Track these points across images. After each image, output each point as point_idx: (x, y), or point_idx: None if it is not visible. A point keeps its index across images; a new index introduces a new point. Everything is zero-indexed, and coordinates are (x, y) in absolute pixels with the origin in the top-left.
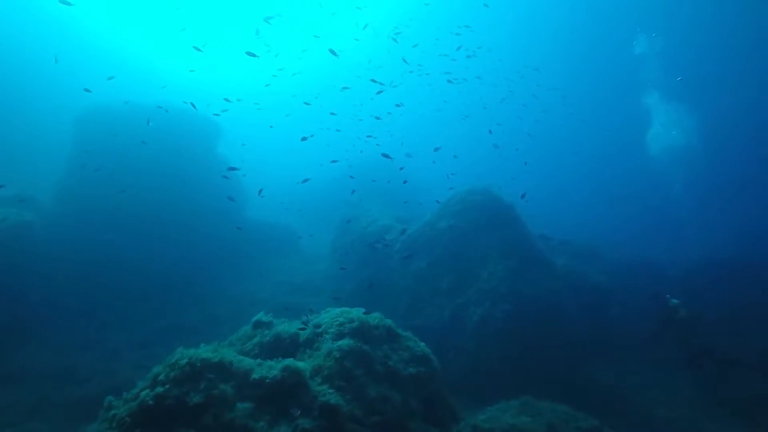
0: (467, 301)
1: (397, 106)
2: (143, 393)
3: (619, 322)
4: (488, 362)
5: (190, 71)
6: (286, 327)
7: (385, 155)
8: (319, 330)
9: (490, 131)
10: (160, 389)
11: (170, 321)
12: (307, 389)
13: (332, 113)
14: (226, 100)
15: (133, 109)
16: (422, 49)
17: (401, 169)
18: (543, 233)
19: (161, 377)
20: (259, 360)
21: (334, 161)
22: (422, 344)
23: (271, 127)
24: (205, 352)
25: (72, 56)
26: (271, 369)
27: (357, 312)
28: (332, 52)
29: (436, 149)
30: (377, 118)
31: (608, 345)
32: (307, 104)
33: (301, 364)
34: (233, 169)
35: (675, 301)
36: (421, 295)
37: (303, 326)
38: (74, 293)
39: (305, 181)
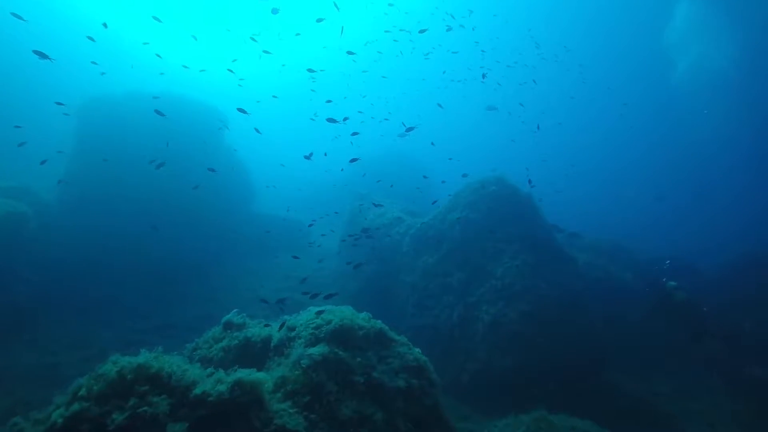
0: (479, 300)
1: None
2: (55, 413)
3: (646, 325)
4: (500, 368)
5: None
6: (258, 329)
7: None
8: (293, 333)
9: (484, 75)
10: (76, 407)
11: (166, 317)
12: (261, 408)
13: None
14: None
15: (138, 99)
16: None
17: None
18: (553, 224)
19: (82, 392)
20: (210, 370)
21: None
22: (416, 350)
23: (275, 96)
24: (142, 360)
25: (67, 42)
26: (218, 383)
27: (341, 311)
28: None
29: (409, 129)
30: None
31: (635, 349)
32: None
33: (260, 377)
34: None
35: (672, 283)
36: (429, 293)
37: (279, 328)
38: (69, 288)
39: (309, 156)
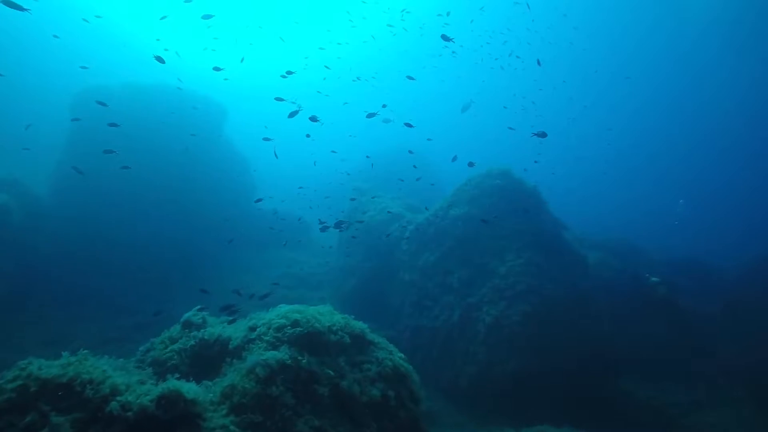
0: (480, 301)
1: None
2: None
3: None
4: (501, 372)
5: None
6: (217, 329)
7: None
8: (254, 334)
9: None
10: None
11: (152, 314)
12: (192, 425)
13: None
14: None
15: (132, 90)
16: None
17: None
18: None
19: None
20: (140, 377)
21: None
22: (398, 356)
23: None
24: (55, 368)
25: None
26: (143, 395)
27: (314, 311)
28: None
29: (371, 115)
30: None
31: (649, 355)
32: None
33: (193, 389)
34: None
35: (654, 279)
36: (428, 292)
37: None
38: (54, 283)
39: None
